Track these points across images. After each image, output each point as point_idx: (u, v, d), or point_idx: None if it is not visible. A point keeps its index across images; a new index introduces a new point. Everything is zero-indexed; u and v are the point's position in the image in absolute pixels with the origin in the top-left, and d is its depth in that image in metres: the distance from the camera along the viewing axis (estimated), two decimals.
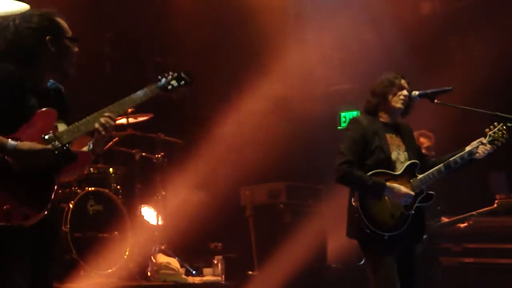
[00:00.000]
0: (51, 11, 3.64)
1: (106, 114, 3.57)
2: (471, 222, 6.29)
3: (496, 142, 4.77)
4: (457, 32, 8.26)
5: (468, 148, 4.77)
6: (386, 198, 4.61)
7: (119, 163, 7.38)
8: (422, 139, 6.36)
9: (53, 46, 3.56)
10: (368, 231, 4.58)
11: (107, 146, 6.82)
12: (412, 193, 4.63)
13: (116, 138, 7.14)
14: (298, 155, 8.15)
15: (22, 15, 3.61)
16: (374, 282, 4.61)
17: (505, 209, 6.16)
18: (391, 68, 5.02)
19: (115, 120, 3.60)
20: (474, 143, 4.78)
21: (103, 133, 3.58)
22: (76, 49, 3.67)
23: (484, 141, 4.77)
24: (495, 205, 6.16)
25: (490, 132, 4.79)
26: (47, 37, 3.55)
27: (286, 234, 7.13)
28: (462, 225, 6.50)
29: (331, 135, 7.66)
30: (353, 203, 4.67)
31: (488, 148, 4.75)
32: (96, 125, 3.55)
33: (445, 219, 6.32)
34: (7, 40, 3.55)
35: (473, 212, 6.23)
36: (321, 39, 8.46)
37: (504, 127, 4.75)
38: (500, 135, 4.77)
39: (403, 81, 4.82)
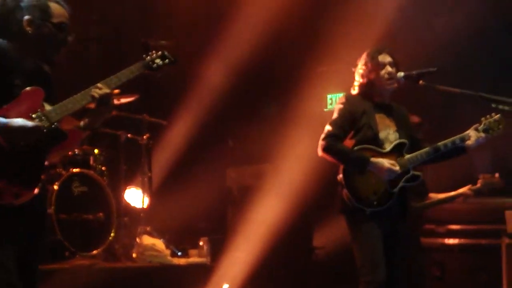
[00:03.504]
0: None
1: (98, 85, 3.59)
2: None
3: (490, 131, 4.76)
4: None
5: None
6: (370, 174, 4.63)
7: (104, 144, 7.35)
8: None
9: (29, 26, 3.55)
10: (351, 205, 4.61)
11: None
12: (396, 168, 4.64)
13: None
14: (284, 136, 8.15)
15: None
16: (357, 253, 4.65)
17: (489, 188, 6.17)
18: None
19: (110, 91, 3.61)
20: (468, 130, 4.78)
21: (99, 106, 3.61)
22: (67, 37, 3.64)
23: (479, 128, 4.77)
24: (479, 184, 6.17)
25: (485, 121, 4.78)
26: (26, 17, 3.54)
27: (272, 215, 7.14)
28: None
29: (317, 117, 7.65)
30: (338, 177, 4.70)
31: (481, 136, 4.74)
32: (91, 100, 3.57)
33: (432, 196, 6.28)
34: None
35: (458, 192, 6.23)
36: None
37: (502, 118, 4.74)
38: (496, 125, 4.76)
39: (381, 57, 4.77)
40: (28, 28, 3.55)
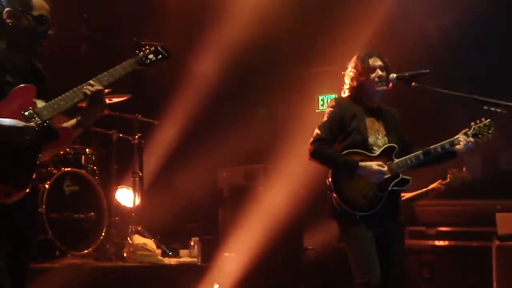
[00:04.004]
0: None
1: (90, 82, 3.58)
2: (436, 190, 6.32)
3: (480, 136, 4.75)
4: None
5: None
6: (360, 177, 4.62)
7: (96, 144, 7.34)
8: None
9: (9, 18, 3.54)
10: (340, 210, 4.61)
11: None
12: (385, 168, 4.63)
13: None
14: (276, 137, 8.15)
15: None
16: (351, 257, 4.64)
17: (458, 182, 6.22)
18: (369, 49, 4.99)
19: (102, 88, 3.60)
20: (458, 135, 4.78)
21: (91, 103, 3.59)
22: (47, 30, 3.62)
23: (468, 133, 4.77)
24: (448, 179, 6.22)
25: (475, 126, 4.78)
26: (7, 9, 3.53)
27: (263, 216, 7.14)
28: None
29: (308, 118, 7.66)
30: (327, 181, 4.70)
31: (470, 141, 4.74)
32: (83, 97, 3.56)
33: (404, 194, 6.32)
34: None
35: (429, 188, 6.29)
36: None
37: (492, 123, 4.75)
38: (486, 130, 4.75)
39: (371, 60, 4.76)
40: (8, 20, 3.54)
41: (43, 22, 3.60)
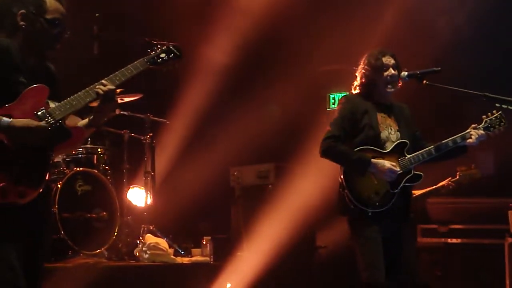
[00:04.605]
0: None
1: (102, 81, 3.59)
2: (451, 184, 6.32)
3: (492, 129, 4.74)
4: None
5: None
6: (372, 174, 4.62)
7: (108, 143, 7.36)
8: None
9: (23, 21, 3.55)
10: (352, 207, 4.60)
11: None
12: (397, 168, 4.63)
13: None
14: (287, 136, 8.16)
15: None
16: (359, 256, 4.63)
17: (467, 179, 6.22)
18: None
19: (114, 88, 3.61)
20: (469, 129, 4.77)
21: (104, 102, 3.61)
22: (61, 33, 3.63)
23: (479, 126, 4.76)
24: (457, 177, 6.23)
25: (487, 119, 4.77)
26: (20, 11, 3.54)
27: (275, 215, 7.15)
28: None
29: (320, 116, 7.66)
30: (339, 178, 4.70)
31: (481, 134, 4.73)
32: (95, 96, 3.58)
33: (414, 192, 6.32)
34: None
35: (438, 185, 6.28)
36: None
37: (503, 115, 4.74)
38: (497, 122, 4.75)
39: (385, 59, 4.75)
40: (22, 23, 3.56)
41: (56, 25, 3.61)
